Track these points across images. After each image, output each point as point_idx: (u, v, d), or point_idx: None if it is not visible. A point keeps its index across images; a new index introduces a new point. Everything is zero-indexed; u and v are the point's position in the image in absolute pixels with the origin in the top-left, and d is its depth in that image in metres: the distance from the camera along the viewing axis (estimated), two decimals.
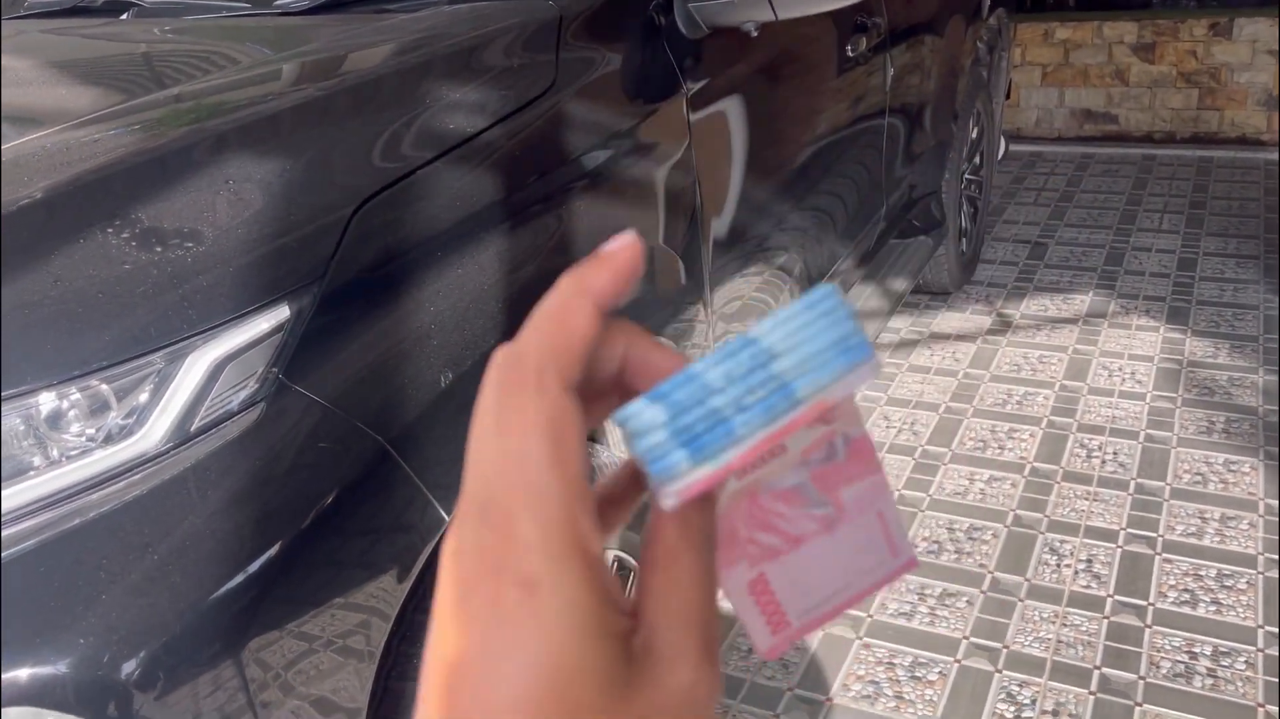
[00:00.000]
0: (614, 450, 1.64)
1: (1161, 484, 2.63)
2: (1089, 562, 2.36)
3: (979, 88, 3.74)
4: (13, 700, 0.96)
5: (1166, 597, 2.24)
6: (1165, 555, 2.37)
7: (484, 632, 0.27)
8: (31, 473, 1.02)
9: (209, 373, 1.07)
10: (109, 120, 1.30)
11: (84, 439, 1.03)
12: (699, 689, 0.29)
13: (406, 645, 1.27)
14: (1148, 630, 2.15)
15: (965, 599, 2.26)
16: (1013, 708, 1.98)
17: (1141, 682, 2.02)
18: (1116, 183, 5.01)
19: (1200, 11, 5.47)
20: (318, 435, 1.15)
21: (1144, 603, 2.22)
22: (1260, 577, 2.28)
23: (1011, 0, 4.27)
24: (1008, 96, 4.56)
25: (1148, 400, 3.04)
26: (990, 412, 3.03)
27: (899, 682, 2.06)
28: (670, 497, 0.29)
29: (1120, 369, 3.24)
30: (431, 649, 0.29)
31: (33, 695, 0.97)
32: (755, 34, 1.98)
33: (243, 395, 1.10)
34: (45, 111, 1.40)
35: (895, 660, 2.11)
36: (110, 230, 1.09)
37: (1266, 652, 2.07)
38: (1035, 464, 2.75)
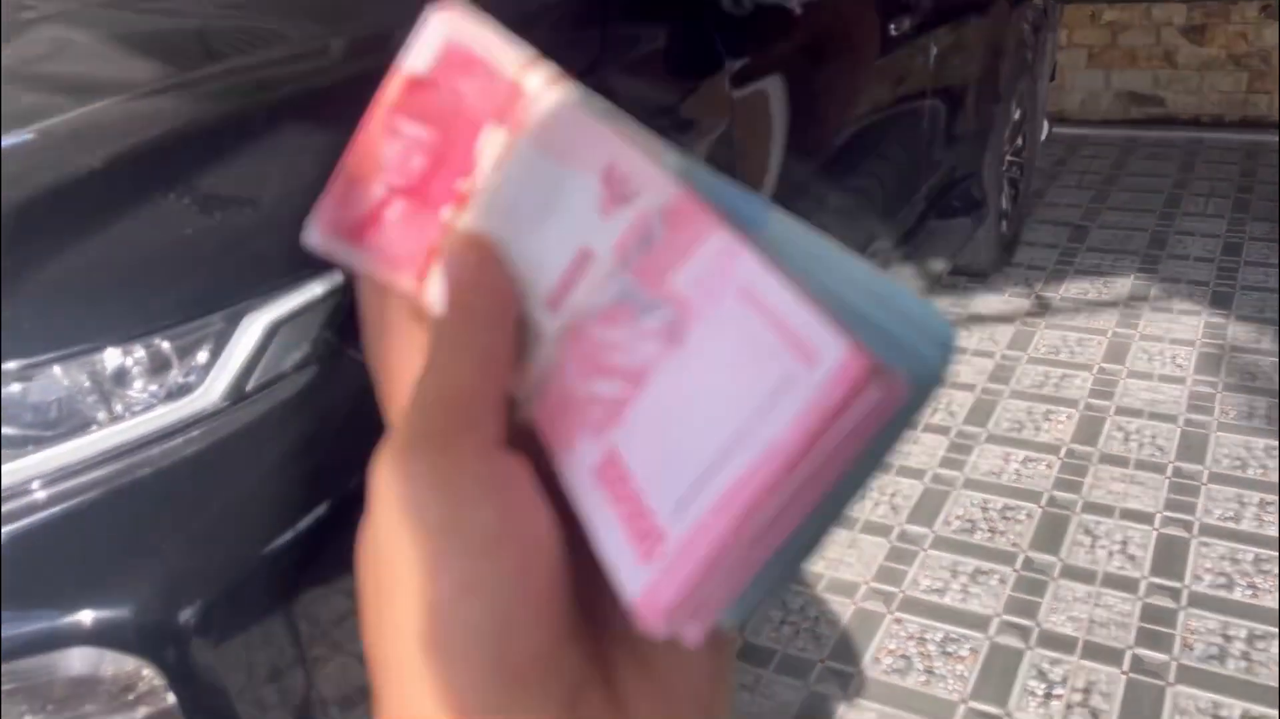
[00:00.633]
0: None
1: (1200, 468, 2.62)
2: (1124, 543, 2.36)
3: (1023, 69, 3.70)
4: (78, 641, 1.02)
5: (1202, 579, 2.24)
6: (1202, 539, 2.36)
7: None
8: (95, 427, 1.06)
9: (264, 335, 1.11)
10: (169, 91, 1.35)
11: (147, 395, 1.07)
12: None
13: None
14: (1182, 612, 2.15)
15: (998, 577, 2.28)
16: (1043, 685, 1.99)
17: (1174, 663, 2.02)
18: (1162, 166, 4.95)
19: None
20: (368, 397, 1.19)
21: (1179, 585, 2.22)
22: None
23: None
24: (1052, 78, 4.51)
25: (1188, 384, 3.02)
26: (1027, 393, 3.03)
27: (930, 656, 2.08)
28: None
29: (1160, 353, 3.21)
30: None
31: (96, 637, 1.02)
32: (799, 11, 1.99)
33: (296, 357, 1.14)
34: (107, 82, 1.45)
35: (926, 635, 2.13)
36: (172, 196, 1.14)
37: None
38: (1072, 446, 2.75)
